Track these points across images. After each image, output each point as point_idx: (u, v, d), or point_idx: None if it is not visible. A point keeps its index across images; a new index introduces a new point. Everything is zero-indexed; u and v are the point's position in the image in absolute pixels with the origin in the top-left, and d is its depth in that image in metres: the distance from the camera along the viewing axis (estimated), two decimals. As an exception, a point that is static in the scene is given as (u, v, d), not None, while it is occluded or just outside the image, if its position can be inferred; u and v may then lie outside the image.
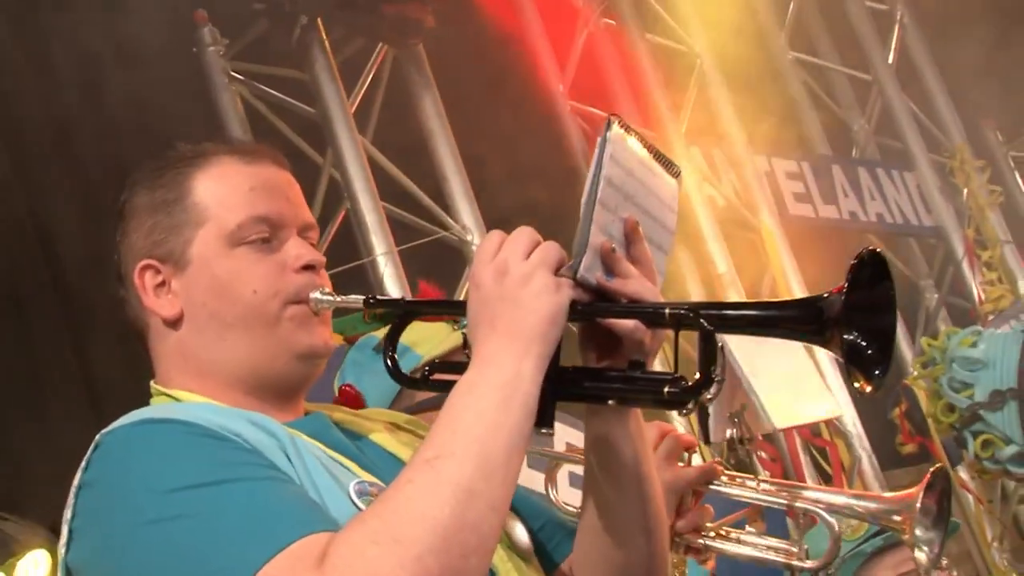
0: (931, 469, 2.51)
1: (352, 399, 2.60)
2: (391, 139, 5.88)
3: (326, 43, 5.66)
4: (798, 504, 2.54)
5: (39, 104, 5.74)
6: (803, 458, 6.62)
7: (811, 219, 7.61)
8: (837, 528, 2.50)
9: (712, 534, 2.54)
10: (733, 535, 2.57)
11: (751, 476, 2.58)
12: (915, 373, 7.56)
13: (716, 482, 2.53)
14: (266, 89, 5.76)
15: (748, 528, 2.66)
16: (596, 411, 1.87)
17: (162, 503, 1.60)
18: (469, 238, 5.70)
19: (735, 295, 6.72)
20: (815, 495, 2.56)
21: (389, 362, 1.91)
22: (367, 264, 5.51)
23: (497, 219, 6.18)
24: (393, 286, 5.42)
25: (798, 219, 7.52)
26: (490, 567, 1.77)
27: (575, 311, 1.73)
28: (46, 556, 3.98)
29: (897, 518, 2.49)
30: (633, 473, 1.86)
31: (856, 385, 1.68)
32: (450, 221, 5.80)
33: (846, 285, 1.64)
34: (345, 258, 5.60)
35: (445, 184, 5.86)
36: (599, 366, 1.80)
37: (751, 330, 1.77)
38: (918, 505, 2.43)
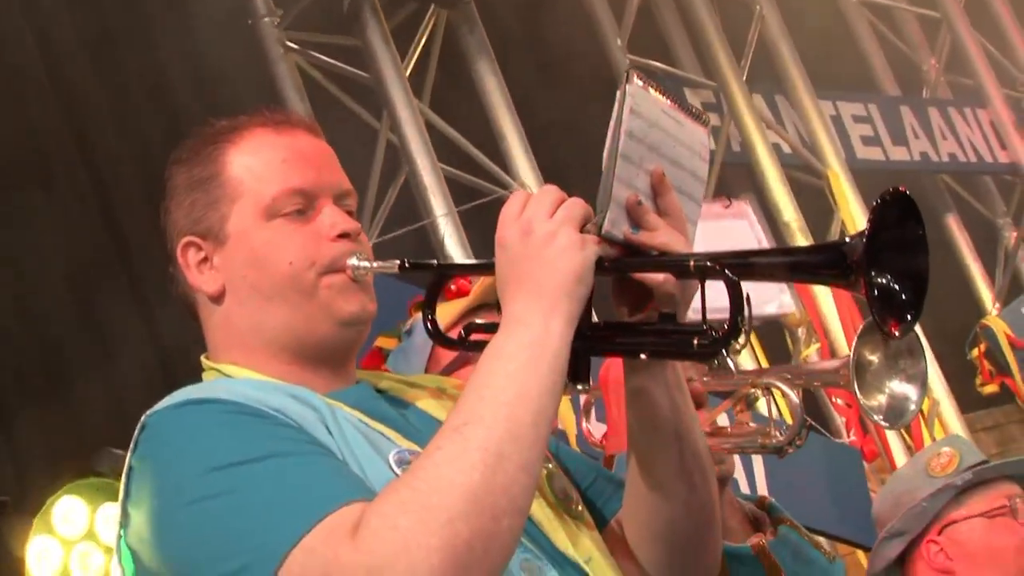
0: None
1: (376, 358, 2.67)
2: (447, 101, 5.88)
3: (378, 7, 5.66)
4: (759, 381, 2.48)
5: (104, 91, 5.82)
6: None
7: (880, 162, 7.50)
8: (796, 399, 2.44)
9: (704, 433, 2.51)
10: (725, 430, 2.55)
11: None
12: (994, 312, 7.48)
13: (694, 378, 2.44)
14: (321, 57, 5.77)
15: (738, 419, 2.62)
16: (633, 366, 1.85)
17: (201, 483, 1.63)
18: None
19: (802, 243, 6.64)
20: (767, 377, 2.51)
21: (429, 324, 1.92)
22: (428, 226, 5.53)
23: (557, 177, 6.16)
24: (454, 247, 5.43)
25: (867, 163, 7.41)
26: (536, 525, 1.80)
27: (602, 267, 1.73)
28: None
29: (832, 379, 2.45)
30: (672, 426, 1.86)
31: (884, 330, 1.66)
32: (509, 180, 5.80)
33: (868, 226, 1.63)
34: (407, 221, 5.63)
35: (503, 143, 5.85)
36: (632, 320, 1.80)
37: (776, 276, 1.74)
38: (851, 359, 2.38)
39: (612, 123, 1.74)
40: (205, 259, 1.90)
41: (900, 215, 1.67)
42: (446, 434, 1.60)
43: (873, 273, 1.64)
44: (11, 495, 4.31)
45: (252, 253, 1.87)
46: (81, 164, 5.61)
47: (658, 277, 1.75)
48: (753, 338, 6.29)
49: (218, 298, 1.89)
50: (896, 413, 2.44)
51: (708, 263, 1.71)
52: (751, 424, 2.54)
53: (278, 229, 1.88)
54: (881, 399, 2.39)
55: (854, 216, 6.93)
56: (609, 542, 1.94)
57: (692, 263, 1.72)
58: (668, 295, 1.76)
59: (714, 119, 7.00)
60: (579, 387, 1.75)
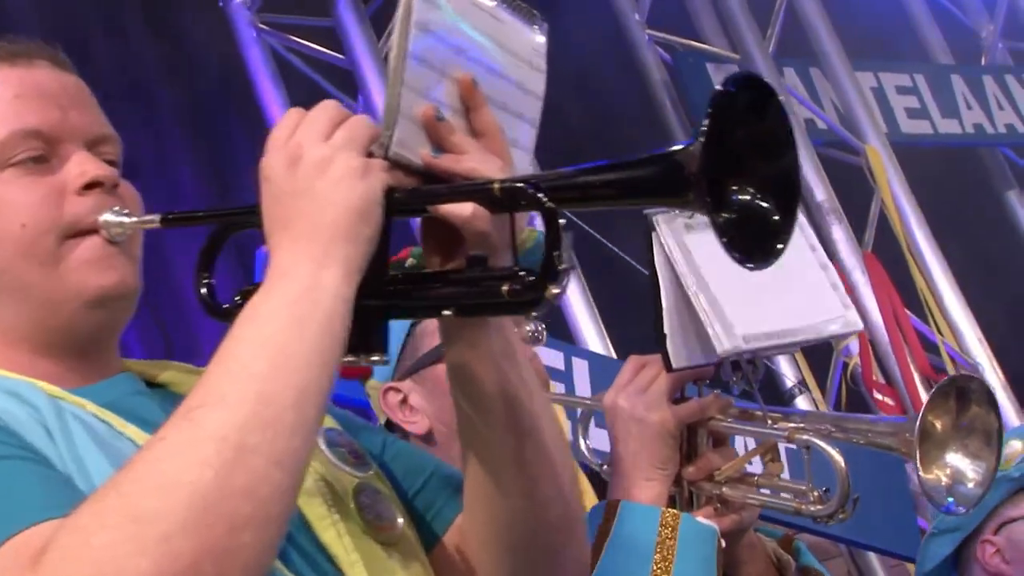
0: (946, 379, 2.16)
1: (357, 368, 2.22)
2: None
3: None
4: (798, 436, 2.12)
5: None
6: (925, 400, 5.98)
7: (928, 136, 6.92)
8: (843, 464, 2.08)
9: (724, 480, 2.14)
10: (752, 479, 2.16)
11: (756, 407, 2.18)
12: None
13: (716, 417, 2.15)
14: (295, 39, 5.44)
15: (768, 470, 2.22)
16: (447, 333, 1.50)
17: None
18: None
19: (836, 225, 6.12)
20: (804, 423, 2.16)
21: (204, 290, 1.54)
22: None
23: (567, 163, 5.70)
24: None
25: (913, 137, 6.84)
26: (330, 559, 1.43)
27: (393, 199, 1.40)
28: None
29: (890, 441, 2.10)
30: (501, 403, 1.49)
31: (736, 256, 1.32)
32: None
33: (705, 125, 1.29)
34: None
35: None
36: (441, 269, 1.47)
37: (604, 201, 1.44)
38: (917, 425, 2.04)
39: (399, 14, 1.41)
40: None
41: (752, 106, 1.34)
42: (174, 421, 1.27)
43: (717, 187, 1.31)
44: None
45: None
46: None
47: (464, 211, 1.40)
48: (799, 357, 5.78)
49: None
50: (953, 493, 2.08)
51: (517, 185, 1.38)
52: (784, 478, 2.17)
53: (7, 182, 1.51)
54: (940, 474, 2.09)
55: (896, 194, 6.38)
56: (441, 566, 1.57)
57: (497, 186, 1.38)
58: (479, 233, 1.41)
59: (740, 94, 6.50)
60: (372, 358, 1.42)
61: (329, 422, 1.62)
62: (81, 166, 1.52)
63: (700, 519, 2.09)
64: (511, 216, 1.41)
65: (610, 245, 5.07)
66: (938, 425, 2.11)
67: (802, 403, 6.13)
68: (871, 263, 6.12)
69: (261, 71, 5.36)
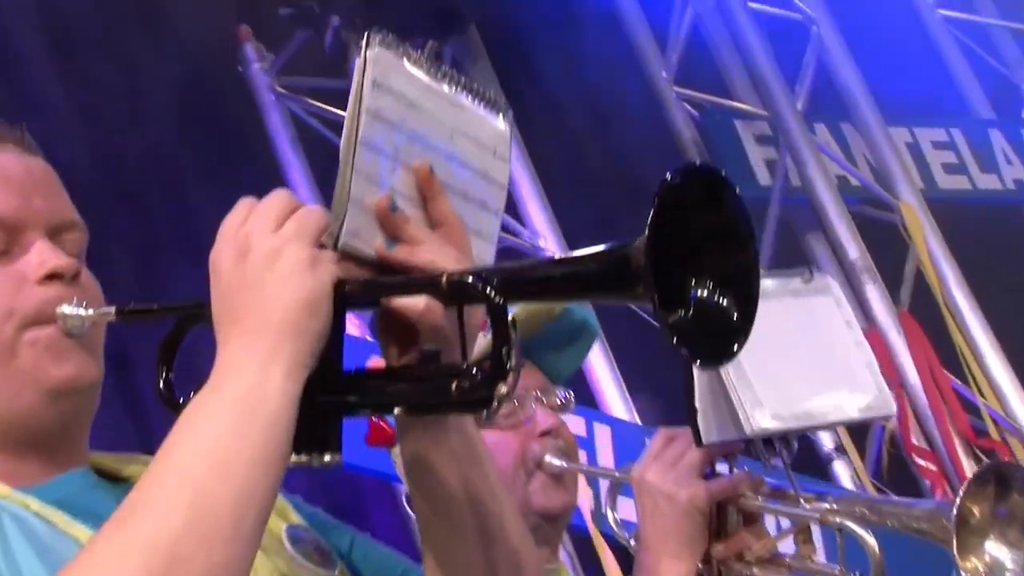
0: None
1: (383, 435, 2.25)
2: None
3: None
4: (831, 519, 2.10)
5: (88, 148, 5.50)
6: (967, 464, 5.80)
7: (967, 192, 6.77)
8: (877, 548, 2.04)
9: (755, 560, 2.12)
10: (784, 562, 2.14)
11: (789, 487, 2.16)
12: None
13: (747, 495, 2.13)
14: (312, 102, 5.40)
15: (801, 552, 2.19)
16: (402, 424, 1.47)
17: None
18: (542, 243, 5.14)
19: (870, 285, 5.97)
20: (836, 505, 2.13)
21: (162, 385, 1.47)
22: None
23: (581, 224, 5.63)
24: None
25: (950, 193, 6.69)
26: None
27: (343, 293, 1.36)
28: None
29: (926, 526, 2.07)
30: (466, 506, 1.45)
31: (687, 354, 1.28)
32: (518, 226, 5.25)
33: (650, 217, 1.25)
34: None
35: (512, 187, 5.32)
36: (395, 365, 1.43)
37: (554, 296, 1.49)
38: (954, 512, 2.01)
39: (350, 101, 1.39)
40: None
41: (709, 196, 1.29)
42: (106, 528, 1.23)
43: (674, 281, 1.27)
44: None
45: None
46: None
47: (417, 304, 1.37)
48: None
49: None
50: None
51: (465, 279, 1.34)
52: (816, 561, 2.15)
53: None
54: (978, 563, 2.07)
55: (932, 252, 6.22)
56: None
57: (445, 280, 1.34)
58: (433, 327, 1.39)
59: (771, 152, 6.40)
60: (324, 459, 1.36)
61: (295, 519, 1.59)
62: (41, 255, 1.49)
63: None
64: (459, 310, 1.37)
65: (634, 307, 4.96)
66: (976, 512, 2.07)
67: (840, 467, 5.97)
68: (908, 323, 5.97)
69: (281, 134, 5.33)
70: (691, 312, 1.28)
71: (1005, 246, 6.74)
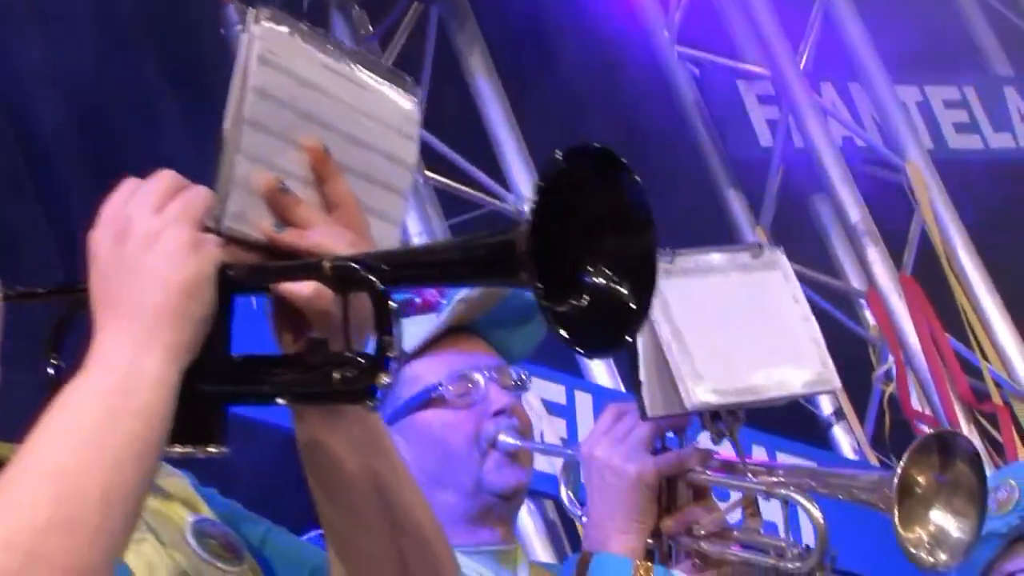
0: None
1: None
2: (434, 103, 5.30)
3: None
4: (777, 490, 2.11)
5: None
6: (966, 428, 5.69)
7: (978, 151, 6.62)
8: (822, 520, 2.05)
9: (704, 534, 2.13)
10: (732, 534, 2.16)
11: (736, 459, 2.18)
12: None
13: (696, 469, 2.14)
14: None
15: (748, 524, 2.21)
16: (298, 412, 1.43)
17: None
18: (527, 208, 5.04)
19: (872, 248, 5.85)
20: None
21: (51, 371, 1.43)
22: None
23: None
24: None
25: (961, 153, 6.54)
26: None
27: (227, 277, 1.32)
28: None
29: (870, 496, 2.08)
30: (371, 495, 1.42)
31: (575, 344, 1.24)
32: (502, 191, 5.18)
33: (535, 200, 1.22)
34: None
35: (498, 148, 5.24)
36: (282, 353, 1.40)
37: (439, 281, 1.49)
38: (895, 482, 2.02)
39: (235, 78, 1.34)
40: None
41: (603, 179, 1.25)
42: None
43: (567, 266, 1.24)
44: None
45: None
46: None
47: (304, 290, 1.33)
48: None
49: None
50: (935, 552, 2.07)
51: (348, 264, 1.31)
52: (762, 533, 2.17)
53: None
54: (922, 532, 2.08)
55: (939, 214, 6.09)
56: None
57: (328, 265, 1.31)
58: (321, 314, 1.35)
59: (774, 112, 6.27)
60: (208, 449, 1.33)
61: (204, 511, 1.56)
62: None
63: (676, 572, 2.09)
64: (344, 297, 1.33)
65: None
66: (922, 480, 2.08)
67: (839, 433, 5.89)
68: (908, 286, 5.85)
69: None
70: (583, 299, 1.24)
71: (1017, 206, 6.59)
